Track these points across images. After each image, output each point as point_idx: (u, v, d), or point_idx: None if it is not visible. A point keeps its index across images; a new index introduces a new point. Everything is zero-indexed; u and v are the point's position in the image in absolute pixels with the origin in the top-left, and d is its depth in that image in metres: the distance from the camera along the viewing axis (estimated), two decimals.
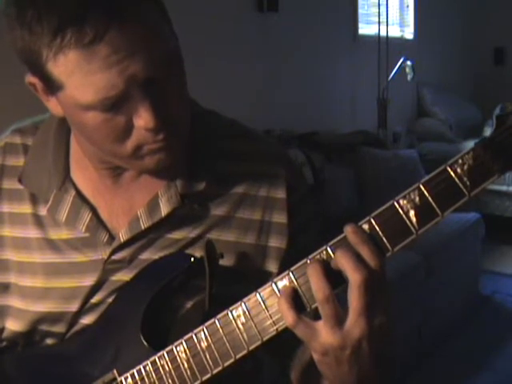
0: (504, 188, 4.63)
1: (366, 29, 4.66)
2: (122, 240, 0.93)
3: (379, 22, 4.54)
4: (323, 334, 0.75)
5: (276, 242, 0.95)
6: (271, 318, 0.79)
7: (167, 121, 0.82)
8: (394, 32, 4.97)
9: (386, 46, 4.49)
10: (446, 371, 3.12)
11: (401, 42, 5.05)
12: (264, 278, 0.93)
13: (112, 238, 0.94)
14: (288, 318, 0.76)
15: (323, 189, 3.49)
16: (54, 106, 0.86)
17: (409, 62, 4.32)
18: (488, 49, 5.88)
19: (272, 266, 0.95)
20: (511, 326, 3.58)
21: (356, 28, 4.56)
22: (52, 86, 0.81)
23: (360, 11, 4.58)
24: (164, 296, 0.91)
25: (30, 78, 0.84)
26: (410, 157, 4.07)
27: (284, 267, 0.82)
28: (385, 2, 4.56)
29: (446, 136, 4.87)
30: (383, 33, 4.55)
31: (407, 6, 5.16)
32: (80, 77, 0.77)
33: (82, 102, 0.79)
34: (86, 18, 0.73)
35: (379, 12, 4.54)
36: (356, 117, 4.57)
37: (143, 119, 0.80)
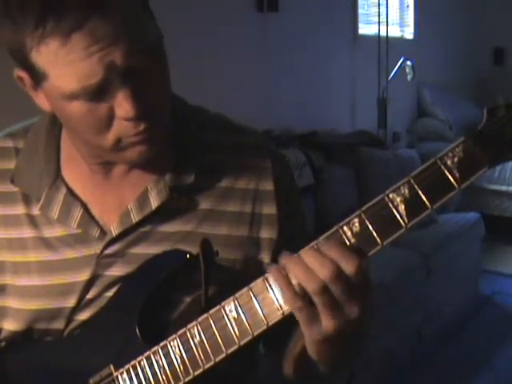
0: (504, 188, 4.62)
1: (365, 29, 4.65)
2: (113, 234, 0.94)
3: (379, 22, 4.54)
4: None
5: (267, 234, 0.97)
6: (262, 312, 0.80)
7: (148, 111, 0.83)
8: (394, 32, 4.96)
9: (385, 46, 4.49)
10: (446, 371, 3.12)
11: (401, 42, 5.04)
12: (258, 269, 0.95)
13: (104, 233, 0.95)
14: (297, 302, 0.76)
15: (323, 189, 3.49)
16: (42, 101, 0.88)
17: (409, 62, 4.32)
18: (488, 49, 5.86)
19: (265, 257, 0.97)
20: (511, 326, 3.58)
21: (356, 28, 4.55)
22: (37, 77, 0.83)
23: (360, 11, 4.57)
24: (161, 293, 0.92)
25: (18, 72, 0.86)
26: (409, 157, 4.08)
27: (274, 256, 0.84)
28: (385, 2, 4.56)
29: (446, 136, 4.85)
30: (383, 33, 4.54)
31: (407, 6, 5.15)
32: (62, 65, 0.79)
33: (66, 91, 0.81)
34: (67, 7, 0.75)
35: (379, 12, 4.54)
36: (356, 117, 4.56)
37: (123, 108, 0.82)
